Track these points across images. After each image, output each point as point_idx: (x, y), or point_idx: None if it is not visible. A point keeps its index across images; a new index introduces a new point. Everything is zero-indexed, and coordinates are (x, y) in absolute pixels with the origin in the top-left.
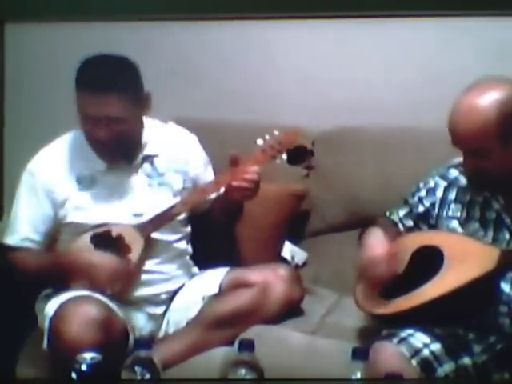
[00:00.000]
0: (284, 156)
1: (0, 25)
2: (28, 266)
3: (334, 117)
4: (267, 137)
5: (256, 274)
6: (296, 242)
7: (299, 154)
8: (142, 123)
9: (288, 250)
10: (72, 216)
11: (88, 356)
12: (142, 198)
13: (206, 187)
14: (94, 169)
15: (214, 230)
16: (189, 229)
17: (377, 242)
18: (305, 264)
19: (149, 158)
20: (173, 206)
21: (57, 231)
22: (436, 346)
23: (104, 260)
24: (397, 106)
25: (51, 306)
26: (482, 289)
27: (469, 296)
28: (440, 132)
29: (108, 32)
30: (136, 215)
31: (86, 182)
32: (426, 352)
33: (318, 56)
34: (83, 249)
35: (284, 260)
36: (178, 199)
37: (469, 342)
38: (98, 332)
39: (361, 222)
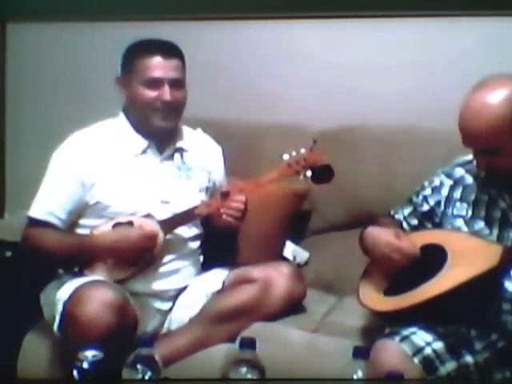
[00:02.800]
0: (309, 173)
1: (1, 25)
2: (49, 243)
3: (335, 116)
4: (294, 153)
5: (258, 271)
6: (297, 241)
7: (323, 174)
8: None
9: (290, 249)
10: (100, 197)
11: (90, 354)
12: (170, 187)
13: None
14: (128, 154)
15: (216, 231)
16: (202, 229)
17: (384, 232)
18: (306, 263)
19: (180, 151)
20: (196, 207)
21: (81, 213)
22: (438, 345)
23: (129, 235)
24: (398, 106)
25: (65, 291)
26: (485, 286)
27: (472, 293)
28: (440, 131)
29: (110, 32)
30: (163, 202)
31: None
32: (428, 350)
33: (319, 56)
34: (105, 232)
35: (286, 260)
36: (202, 195)
37: (470, 340)
38: (114, 316)
39: (362, 221)
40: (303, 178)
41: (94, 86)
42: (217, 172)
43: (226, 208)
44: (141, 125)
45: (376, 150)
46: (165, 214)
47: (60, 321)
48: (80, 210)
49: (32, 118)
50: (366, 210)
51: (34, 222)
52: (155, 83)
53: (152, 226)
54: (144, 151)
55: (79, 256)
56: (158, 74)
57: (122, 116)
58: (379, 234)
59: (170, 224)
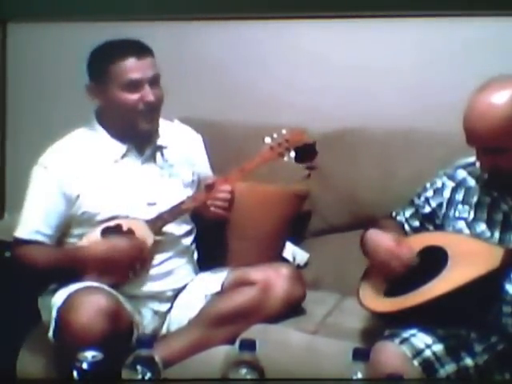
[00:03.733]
0: (292, 154)
1: (2, 25)
2: (39, 260)
3: (335, 118)
4: (275, 135)
5: (258, 273)
6: (297, 242)
7: (307, 152)
8: None
9: (289, 250)
10: (86, 207)
11: (89, 354)
12: (154, 188)
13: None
14: (108, 160)
15: (206, 224)
16: (193, 225)
17: (385, 237)
18: (306, 265)
19: (160, 149)
20: (182, 202)
21: (68, 225)
22: (438, 347)
23: (118, 245)
24: (398, 108)
25: (59, 297)
26: (486, 288)
27: (472, 295)
28: (441, 133)
29: (110, 32)
30: (150, 204)
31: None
32: (427, 353)
33: (318, 57)
34: (94, 242)
35: (285, 261)
36: (188, 191)
37: (470, 342)
38: (107, 322)
39: (362, 223)
40: (287, 159)
41: None
42: (200, 163)
43: (213, 199)
44: (120, 130)
45: (376, 152)
46: (153, 215)
47: (54, 327)
48: (67, 223)
49: (33, 119)
50: (366, 212)
51: (22, 242)
52: (135, 85)
53: (141, 228)
54: (124, 155)
55: (70, 269)
56: (136, 75)
57: (95, 124)
58: (379, 240)
59: (158, 223)
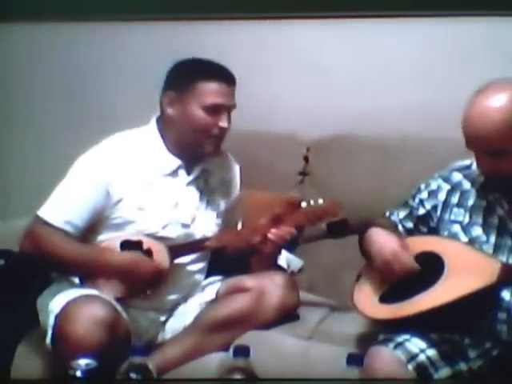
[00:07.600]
0: (324, 226)
1: None
2: (59, 247)
3: (330, 123)
4: (312, 202)
5: (252, 280)
6: (292, 249)
7: (339, 228)
8: None
9: (284, 257)
10: (123, 211)
11: (83, 362)
12: (192, 210)
13: (241, 232)
14: (158, 172)
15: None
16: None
17: (390, 238)
18: (300, 271)
19: (205, 173)
20: (207, 239)
21: (96, 225)
22: (432, 352)
23: (141, 264)
24: (396, 112)
25: (57, 303)
26: (481, 300)
27: (467, 306)
28: (437, 138)
29: (106, 33)
30: (184, 225)
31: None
32: (422, 357)
33: (315, 61)
34: (119, 252)
35: (280, 268)
36: (218, 221)
37: (465, 348)
38: (104, 333)
39: (356, 229)
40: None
41: (90, 88)
42: (234, 192)
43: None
44: (179, 145)
45: (370, 158)
46: (182, 237)
47: (52, 335)
48: (97, 222)
49: (23, 123)
50: (360, 218)
51: (47, 225)
52: (216, 110)
53: (160, 251)
54: (174, 172)
55: (84, 267)
56: (221, 100)
57: (155, 131)
58: (385, 241)
59: (178, 251)
